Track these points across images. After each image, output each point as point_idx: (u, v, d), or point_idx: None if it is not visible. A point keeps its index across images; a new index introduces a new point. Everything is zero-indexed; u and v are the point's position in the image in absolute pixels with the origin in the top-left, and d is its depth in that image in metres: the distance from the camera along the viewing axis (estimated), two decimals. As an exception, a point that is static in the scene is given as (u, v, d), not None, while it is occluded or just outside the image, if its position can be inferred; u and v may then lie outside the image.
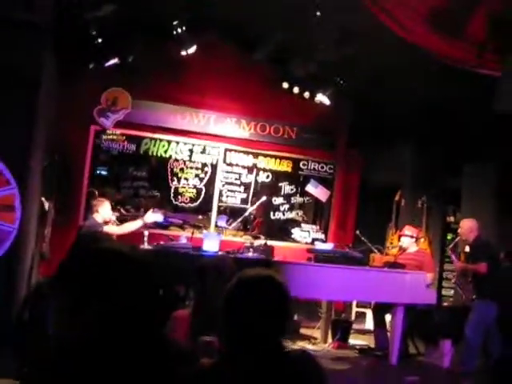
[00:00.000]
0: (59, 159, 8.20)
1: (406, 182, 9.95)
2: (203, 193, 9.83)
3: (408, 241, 8.18)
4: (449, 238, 9.28)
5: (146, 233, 7.68)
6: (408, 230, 8.26)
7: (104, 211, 7.38)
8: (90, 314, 1.50)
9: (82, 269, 1.61)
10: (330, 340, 8.08)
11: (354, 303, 9.64)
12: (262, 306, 1.99)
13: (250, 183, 10.15)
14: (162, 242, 7.79)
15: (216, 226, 9.60)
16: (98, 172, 9.52)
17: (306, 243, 10.11)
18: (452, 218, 9.86)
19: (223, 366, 1.97)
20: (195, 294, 3.52)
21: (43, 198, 7.65)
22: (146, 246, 7.51)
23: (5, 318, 5.05)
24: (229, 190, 10.02)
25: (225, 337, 2.03)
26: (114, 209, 8.22)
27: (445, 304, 9.17)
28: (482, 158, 8.76)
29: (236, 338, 1.97)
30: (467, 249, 7.87)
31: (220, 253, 7.43)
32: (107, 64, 8.28)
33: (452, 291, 9.35)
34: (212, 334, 2.98)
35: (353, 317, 9.54)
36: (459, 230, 7.72)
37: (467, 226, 7.46)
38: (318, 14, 6.89)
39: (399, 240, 8.47)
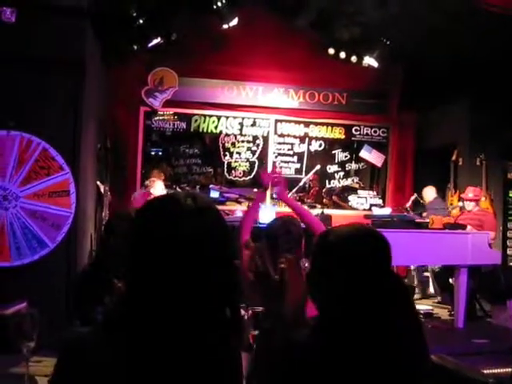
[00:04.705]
0: (111, 142, 8.30)
1: (463, 140, 9.63)
2: (256, 166, 9.81)
3: (472, 204, 7.96)
4: (511, 195, 8.96)
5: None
6: (471, 193, 8.01)
7: (156, 191, 7.43)
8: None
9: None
10: (393, 306, 7.96)
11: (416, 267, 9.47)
12: (371, 262, 1.77)
13: (303, 153, 10.07)
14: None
15: (272, 197, 9.56)
16: (151, 152, 9.64)
17: (364, 210, 9.99)
18: (513, 174, 9.53)
19: (322, 341, 1.72)
20: (270, 259, 3.47)
21: (98, 182, 7.79)
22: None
23: (65, 302, 5.18)
24: (282, 161, 9.99)
25: (326, 303, 1.78)
26: (169, 187, 8.30)
27: (511, 264, 8.89)
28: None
29: (343, 305, 1.73)
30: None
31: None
32: (151, 44, 8.28)
33: (517, 250, 9.05)
34: None
35: (415, 282, 9.38)
36: None
37: None
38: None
39: (459, 200, 8.24)
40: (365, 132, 10.24)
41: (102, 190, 7.71)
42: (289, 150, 10.02)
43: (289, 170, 9.99)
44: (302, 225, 3.68)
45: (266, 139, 9.87)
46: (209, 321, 1.39)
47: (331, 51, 9.23)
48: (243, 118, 9.77)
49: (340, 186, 10.24)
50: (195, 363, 1.37)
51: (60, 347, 1.38)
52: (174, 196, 1.47)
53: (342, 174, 10.25)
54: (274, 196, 9.27)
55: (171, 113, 9.52)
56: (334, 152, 10.23)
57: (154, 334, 1.34)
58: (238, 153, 9.80)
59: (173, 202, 1.43)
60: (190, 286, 1.35)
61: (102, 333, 1.37)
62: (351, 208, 10.19)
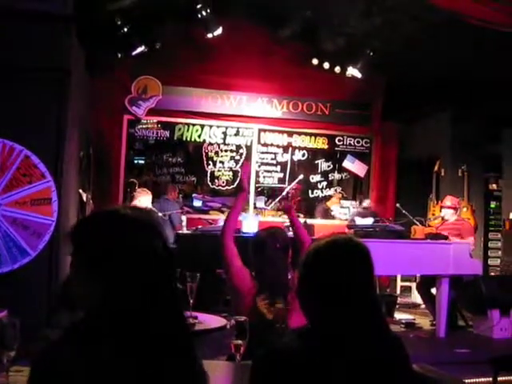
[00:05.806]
0: (94, 150, 8.27)
1: (445, 152, 9.73)
2: (240, 175, 9.80)
3: (449, 212, 8.01)
4: (492, 206, 9.06)
5: (184, 218, 7.71)
6: (449, 201, 8.08)
7: (142, 202, 7.41)
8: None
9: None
10: (375, 315, 7.97)
11: (399, 277, 9.52)
12: (354, 272, 1.79)
13: (286, 162, 10.10)
14: (200, 227, 7.80)
15: (255, 207, 9.58)
16: (134, 161, 9.62)
17: (346, 220, 10.01)
18: (494, 186, 9.62)
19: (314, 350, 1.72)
20: (256, 268, 3.51)
21: (81, 190, 7.74)
22: (184, 230, 7.54)
23: (46, 311, 5.12)
24: (265, 171, 10.01)
25: (318, 313, 1.79)
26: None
27: (492, 274, 8.97)
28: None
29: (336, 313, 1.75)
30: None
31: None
32: (135, 52, 8.28)
33: (498, 261, 9.14)
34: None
35: (398, 291, 9.42)
36: None
37: None
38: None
39: (441, 211, 8.30)
40: (348, 142, 10.29)
41: (85, 199, 7.67)
42: (272, 159, 10.03)
43: (272, 180, 10.00)
44: (290, 234, 3.72)
45: (249, 148, 9.88)
46: (170, 328, 1.45)
47: (315, 62, 9.28)
48: (227, 127, 9.78)
49: (322, 195, 10.28)
50: (165, 373, 1.41)
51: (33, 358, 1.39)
52: (116, 208, 1.56)
53: (324, 183, 10.28)
54: (257, 206, 9.42)
55: (155, 121, 9.51)
56: (317, 162, 10.27)
57: (122, 343, 1.37)
58: (222, 162, 9.80)
59: (113, 211, 1.52)
60: (141, 293, 1.41)
61: (73, 342, 1.38)
62: (334, 218, 10.21)
